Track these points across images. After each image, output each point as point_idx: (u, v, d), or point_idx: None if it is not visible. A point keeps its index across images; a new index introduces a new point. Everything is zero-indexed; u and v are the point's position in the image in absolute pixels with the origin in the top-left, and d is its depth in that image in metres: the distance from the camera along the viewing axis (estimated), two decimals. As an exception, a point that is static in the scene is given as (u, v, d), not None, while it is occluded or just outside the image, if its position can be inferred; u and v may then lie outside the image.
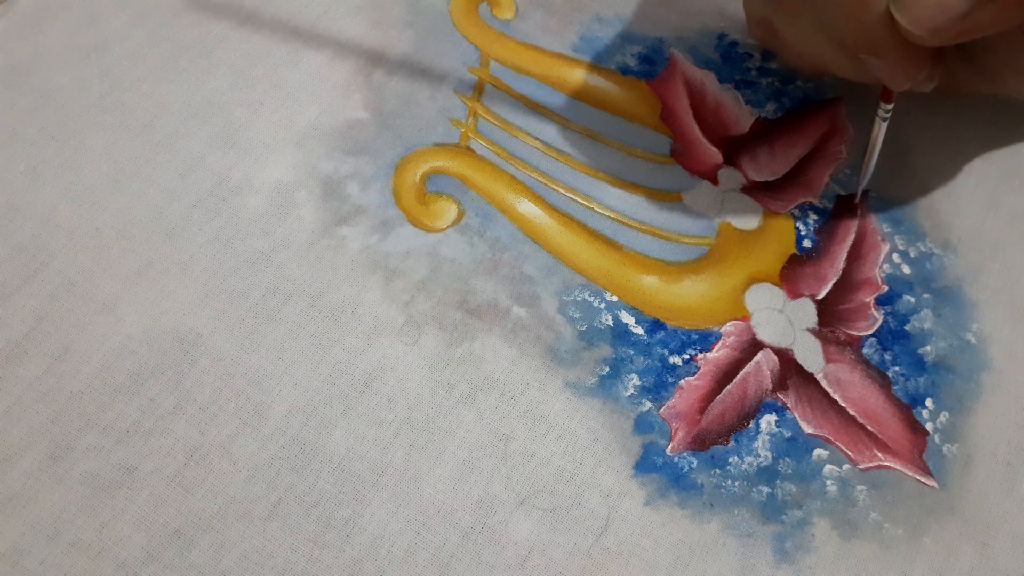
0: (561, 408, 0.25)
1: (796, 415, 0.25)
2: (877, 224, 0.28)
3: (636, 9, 0.32)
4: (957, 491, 0.24)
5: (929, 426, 0.25)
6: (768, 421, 0.25)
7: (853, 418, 0.25)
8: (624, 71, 0.30)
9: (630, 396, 0.25)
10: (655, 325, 0.26)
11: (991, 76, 0.26)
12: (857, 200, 0.28)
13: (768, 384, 0.25)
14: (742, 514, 0.24)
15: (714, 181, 0.29)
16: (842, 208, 0.28)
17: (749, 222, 0.28)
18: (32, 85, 0.28)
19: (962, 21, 0.21)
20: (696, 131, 0.29)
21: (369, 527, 0.23)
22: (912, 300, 0.27)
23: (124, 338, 0.25)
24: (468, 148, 0.28)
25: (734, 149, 0.29)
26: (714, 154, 0.29)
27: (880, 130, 0.27)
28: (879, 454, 0.25)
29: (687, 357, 0.26)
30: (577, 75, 0.30)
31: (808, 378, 0.26)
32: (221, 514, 0.23)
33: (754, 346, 0.26)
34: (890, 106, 0.26)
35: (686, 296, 0.27)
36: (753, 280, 0.27)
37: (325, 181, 0.27)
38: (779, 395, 0.25)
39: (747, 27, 0.30)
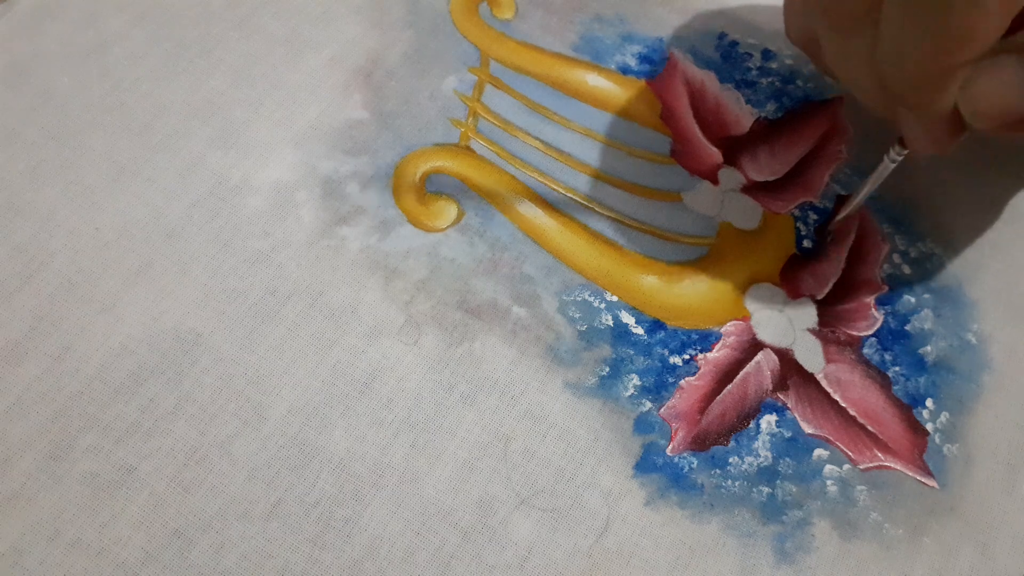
0: (561, 408, 0.25)
1: (796, 415, 0.25)
2: (877, 224, 0.28)
3: (636, 9, 0.32)
4: (957, 491, 0.24)
5: (929, 426, 0.25)
6: (768, 421, 0.25)
7: (853, 418, 0.25)
8: (624, 71, 0.30)
9: (630, 396, 0.25)
10: (655, 325, 0.26)
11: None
12: (831, 227, 0.27)
13: (768, 384, 0.25)
14: (742, 514, 0.24)
15: (714, 181, 0.28)
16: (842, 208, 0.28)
17: (749, 222, 0.28)
18: (32, 85, 0.28)
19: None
20: (696, 131, 0.29)
21: (369, 527, 0.23)
22: (912, 300, 0.27)
23: (124, 338, 0.25)
24: (468, 148, 0.28)
25: (734, 149, 0.29)
26: (714, 154, 0.29)
27: (884, 171, 0.25)
28: (879, 454, 0.24)
29: (687, 357, 0.26)
30: (577, 75, 0.30)
31: (808, 378, 0.25)
32: (221, 514, 0.23)
33: (754, 346, 0.26)
34: (906, 151, 0.25)
35: (686, 296, 0.26)
36: (753, 280, 0.27)
37: (325, 181, 0.27)
38: (779, 395, 0.25)
39: (786, 27, 0.27)
